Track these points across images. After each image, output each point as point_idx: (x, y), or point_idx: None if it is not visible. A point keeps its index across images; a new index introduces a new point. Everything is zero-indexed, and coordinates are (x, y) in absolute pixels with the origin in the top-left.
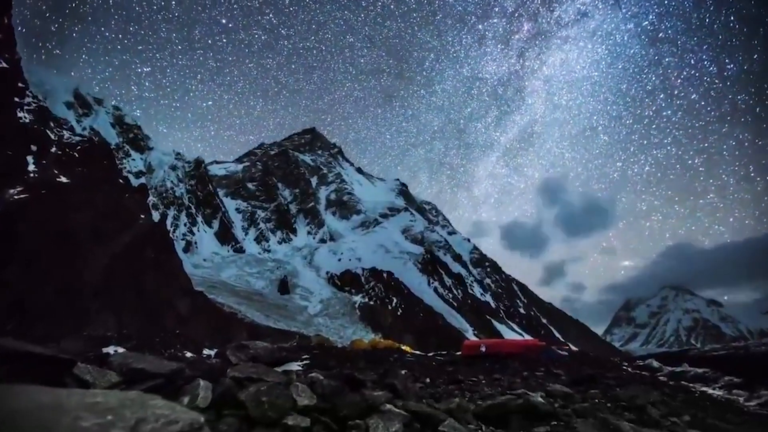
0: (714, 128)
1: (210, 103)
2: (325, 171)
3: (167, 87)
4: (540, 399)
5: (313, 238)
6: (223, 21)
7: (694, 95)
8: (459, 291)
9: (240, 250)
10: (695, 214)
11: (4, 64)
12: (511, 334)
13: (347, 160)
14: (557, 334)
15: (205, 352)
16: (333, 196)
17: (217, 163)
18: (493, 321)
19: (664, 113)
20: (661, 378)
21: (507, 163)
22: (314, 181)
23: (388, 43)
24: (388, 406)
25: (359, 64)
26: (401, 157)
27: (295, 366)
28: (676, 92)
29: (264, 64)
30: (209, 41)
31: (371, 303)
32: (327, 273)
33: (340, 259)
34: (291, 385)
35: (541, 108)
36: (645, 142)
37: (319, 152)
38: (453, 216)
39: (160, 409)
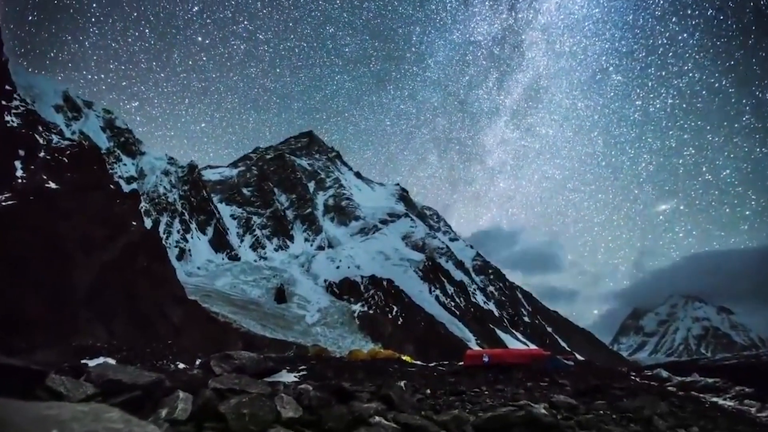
0: (738, 42)
1: (203, 125)
2: (322, 176)
3: (158, 117)
4: (543, 410)
5: (311, 245)
6: (200, 39)
7: (710, 11)
8: (461, 299)
9: (235, 258)
10: (732, 140)
11: None
12: (515, 343)
13: (346, 165)
14: (563, 343)
15: (198, 363)
16: (331, 202)
17: (211, 167)
18: (496, 330)
19: (680, 38)
20: (669, 388)
21: (517, 125)
22: (312, 186)
23: (369, 25)
24: (378, 418)
25: (344, 54)
26: (406, 142)
27: (291, 377)
28: (689, 12)
29: (249, 74)
30: (190, 62)
31: (371, 312)
32: (325, 281)
33: (338, 267)
34: (276, 396)
35: (544, 60)
36: (663, 73)
37: (317, 156)
38: (471, 191)
39: (114, 423)
